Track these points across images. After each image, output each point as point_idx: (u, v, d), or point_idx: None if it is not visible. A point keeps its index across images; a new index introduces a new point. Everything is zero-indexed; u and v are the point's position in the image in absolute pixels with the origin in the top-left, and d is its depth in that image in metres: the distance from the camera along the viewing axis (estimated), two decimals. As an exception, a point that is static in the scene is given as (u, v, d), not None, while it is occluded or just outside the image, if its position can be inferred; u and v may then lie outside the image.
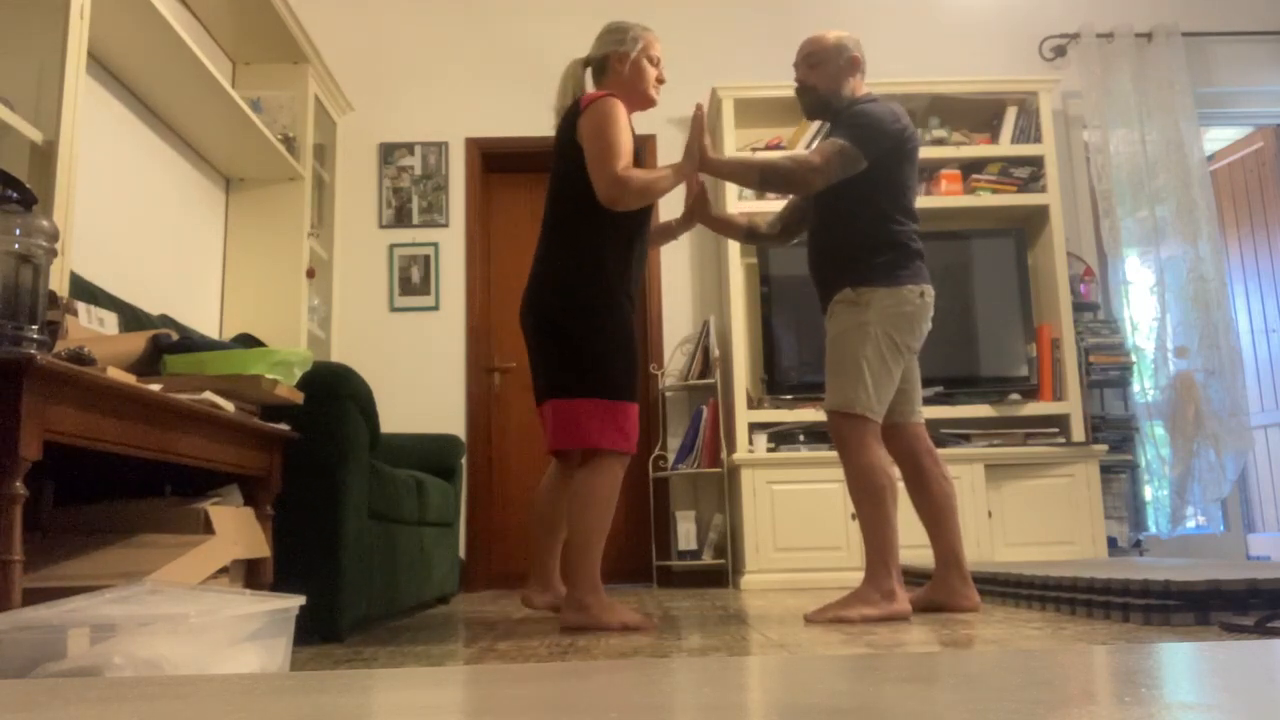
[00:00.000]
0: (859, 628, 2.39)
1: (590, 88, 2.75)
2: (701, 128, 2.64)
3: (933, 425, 4.40)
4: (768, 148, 4.65)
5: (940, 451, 4.24)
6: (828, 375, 2.74)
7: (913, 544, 4.14)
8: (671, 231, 2.94)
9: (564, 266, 2.58)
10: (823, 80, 2.81)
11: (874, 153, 2.66)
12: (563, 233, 2.61)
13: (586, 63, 2.76)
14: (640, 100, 2.70)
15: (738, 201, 4.53)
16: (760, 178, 2.68)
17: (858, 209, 2.72)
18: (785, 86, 4.69)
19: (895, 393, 2.78)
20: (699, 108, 2.65)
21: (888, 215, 2.71)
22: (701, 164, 2.66)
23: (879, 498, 2.61)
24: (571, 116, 2.63)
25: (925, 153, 4.63)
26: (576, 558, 2.50)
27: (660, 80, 2.73)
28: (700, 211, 2.88)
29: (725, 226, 3.02)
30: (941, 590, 2.74)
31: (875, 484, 2.62)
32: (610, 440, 2.51)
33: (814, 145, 2.74)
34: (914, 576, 3.89)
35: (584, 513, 2.50)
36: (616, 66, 2.68)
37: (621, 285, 2.59)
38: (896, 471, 2.80)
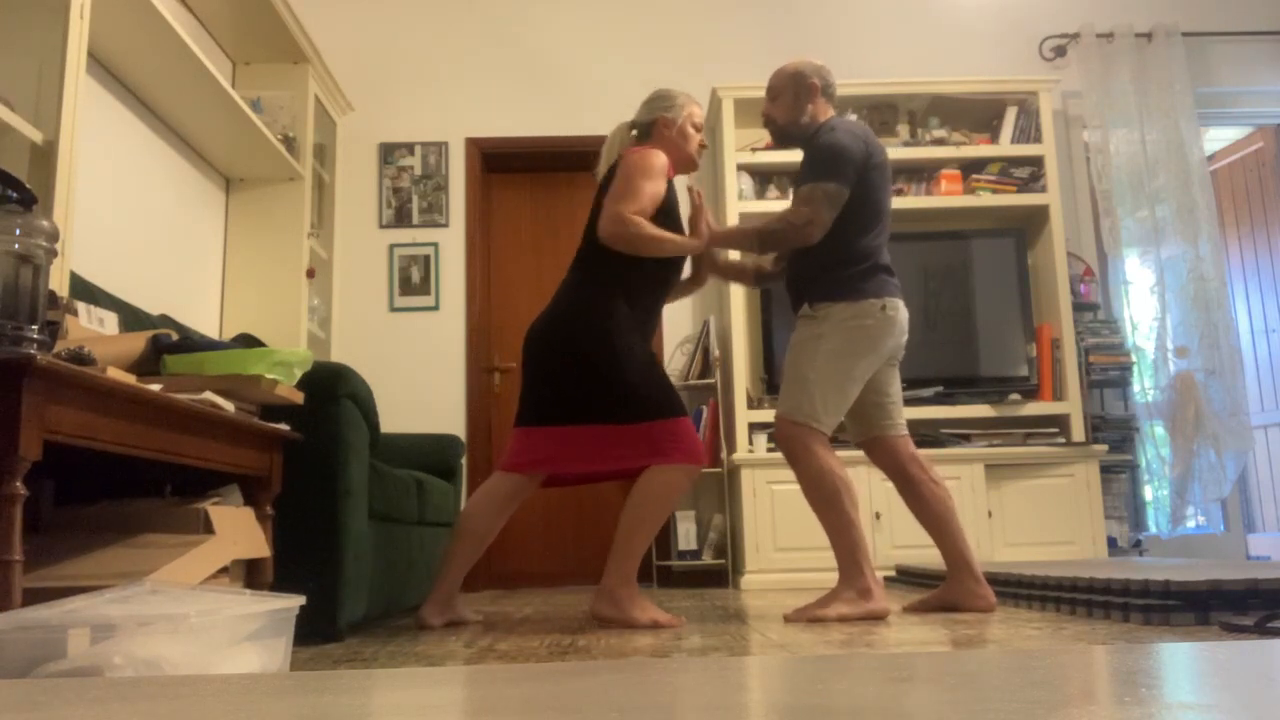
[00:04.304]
0: (858, 627, 2.40)
1: None
2: (701, 206, 2.77)
3: (932, 425, 4.40)
4: (767, 148, 4.64)
5: (940, 451, 4.27)
6: (781, 383, 2.79)
7: (914, 545, 4.14)
8: (683, 289, 2.95)
9: (586, 301, 2.64)
10: (780, 111, 2.88)
11: (850, 180, 2.70)
12: (588, 271, 2.69)
13: (633, 126, 2.88)
14: (685, 164, 2.83)
15: (738, 202, 4.53)
16: (759, 242, 2.76)
17: (837, 230, 2.74)
18: (785, 86, 4.70)
19: (871, 406, 2.81)
20: (694, 192, 2.80)
21: (854, 232, 2.74)
22: (709, 240, 2.76)
23: (835, 500, 2.64)
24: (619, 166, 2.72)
25: (925, 153, 4.64)
26: (621, 551, 2.55)
27: (703, 145, 2.87)
28: (710, 265, 2.95)
29: (737, 273, 3.06)
30: (956, 591, 2.75)
31: (829, 487, 2.65)
32: (677, 456, 2.56)
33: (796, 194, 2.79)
34: (923, 578, 3.89)
35: (640, 511, 2.55)
36: (664, 131, 2.81)
37: (639, 329, 2.66)
38: (884, 477, 2.82)
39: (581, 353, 2.60)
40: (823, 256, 2.75)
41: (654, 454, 2.57)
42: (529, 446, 2.65)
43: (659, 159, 2.68)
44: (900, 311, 2.76)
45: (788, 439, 2.71)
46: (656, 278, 2.72)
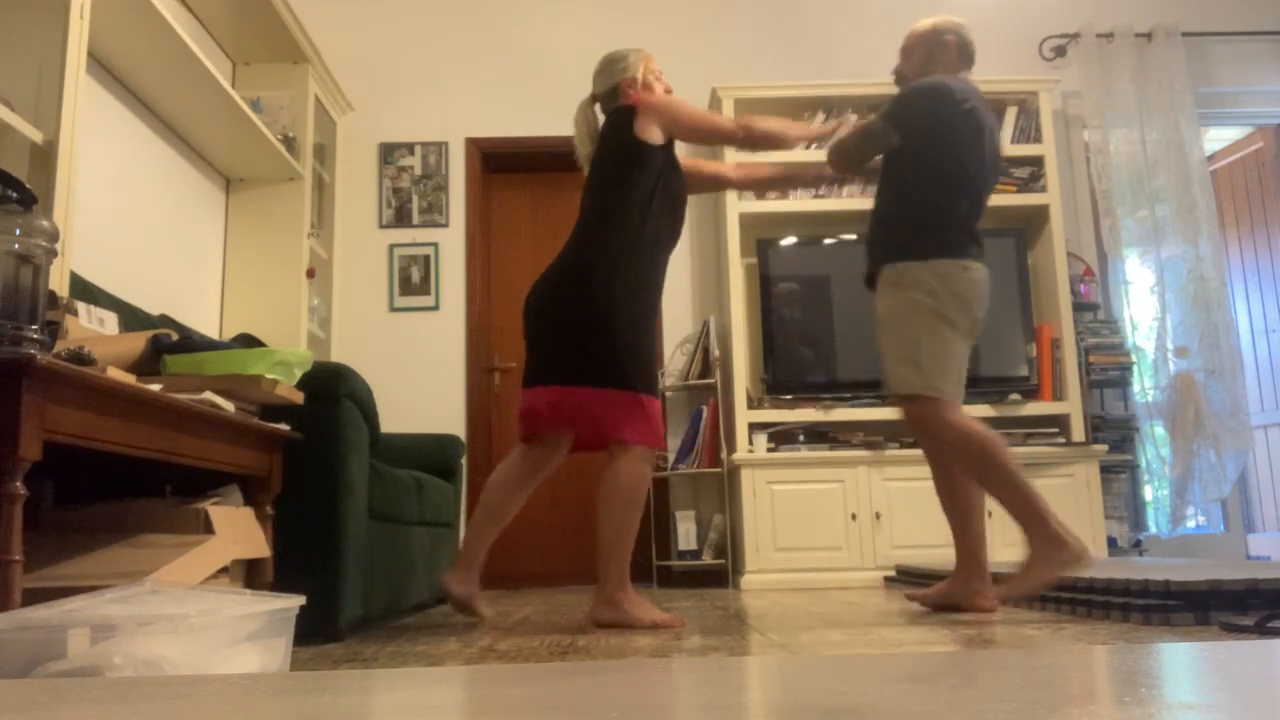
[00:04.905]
0: (861, 625, 2.39)
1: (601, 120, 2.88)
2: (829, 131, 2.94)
3: (933, 425, 4.40)
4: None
5: (940, 451, 4.26)
6: (884, 362, 2.68)
7: (914, 545, 4.14)
8: (766, 185, 3.06)
9: (589, 261, 2.62)
10: (911, 68, 2.83)
11: (905, 127, 2.65)
12: (591, 231, 2.67)
13: (594, 99, 2.87)
14: None
15: (738, 201, 4.52)
16: (833, 159, 2.83)
17: (908, 184, 2.71)
18: (785, 86, 4.70)
19: None
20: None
21: (938, 191, 2.67)
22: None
23: (990, 461, 2.51)
24: (620, 118, 2.71)
25: (925, 153, 4.64)
26: (607, 555, 2.54)
27: (669, 91, 2.87)
28: (798, 173, 3.04)
29: (816, 178, 3.15)
30: (960, 588, 2.70)
31: (982, 451, 2.51)
32: (640, 435, 2.55)
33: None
34: (923, 578, 3.89)
35: (613, 510, 2.53)
36: (629, 91, 2.80)
37: (642, 286, 2.64)
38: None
39: (574, 315, 2.59)
40: (902, 215, 2.70)
41: (620, 426, 2.54)
42: (528, 407, 2.65)
43: (653, 95, 2.74)
44: (984, 276, 2.68)
45: (920, 422, 2.60)
46: (654, 241, 2.69)
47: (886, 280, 2.70)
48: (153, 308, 3.40)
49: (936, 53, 2.79)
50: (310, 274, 4.15)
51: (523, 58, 4.99)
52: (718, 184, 3.02)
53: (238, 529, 2.04)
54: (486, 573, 4.60)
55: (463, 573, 2.71)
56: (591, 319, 2.57)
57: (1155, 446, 4.63)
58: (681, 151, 2.83)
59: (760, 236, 4.60)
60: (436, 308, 4.77)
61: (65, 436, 1.52)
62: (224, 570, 1.97)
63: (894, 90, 4.66)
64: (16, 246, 1.53)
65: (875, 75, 4.88)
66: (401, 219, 4.83)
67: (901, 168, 2.73)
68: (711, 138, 2.78)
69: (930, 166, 2.69)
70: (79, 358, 1.60)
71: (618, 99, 2.80)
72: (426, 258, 4.80)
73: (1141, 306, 4.77)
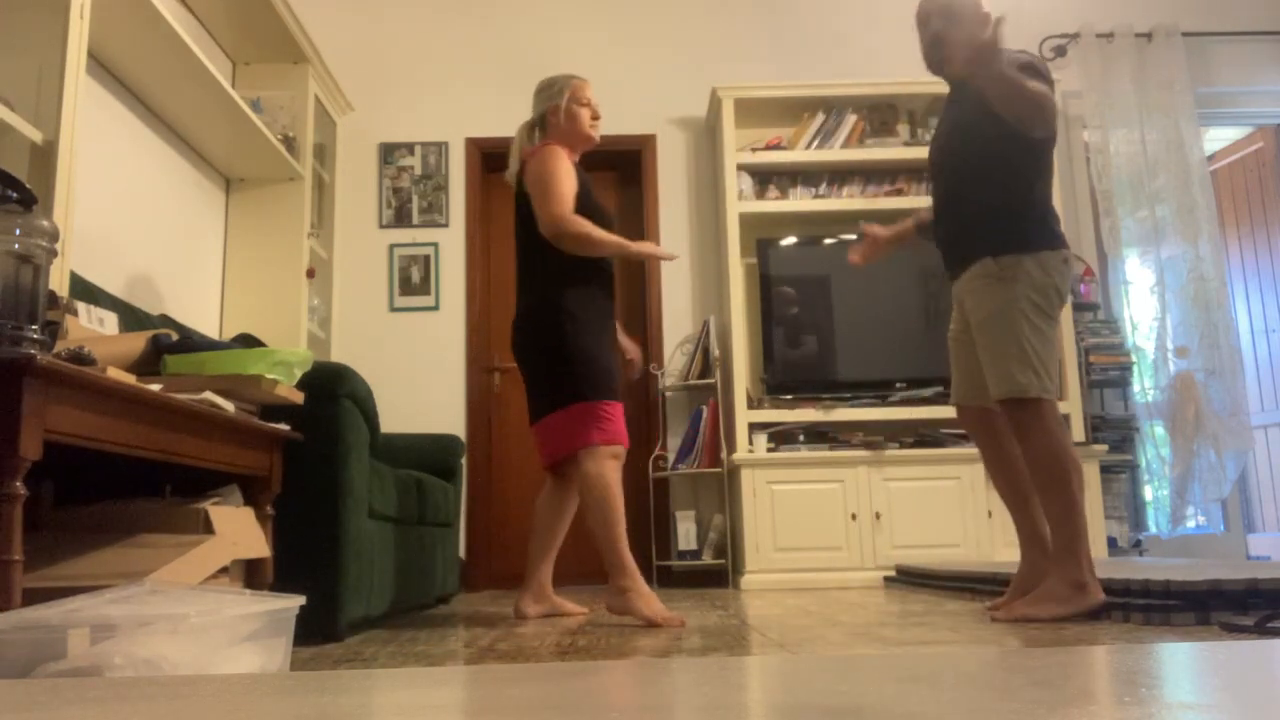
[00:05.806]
0: (863, 624, 2.39)
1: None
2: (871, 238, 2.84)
3: (932, 425, 4.40)
4: (768, 148, 4.65)
5: (940, 451, 4.27)
6: (987, 361, 2.56)
7: (914, 545, 4.14)
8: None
9: (534, 304, 2.81)
10: (963, 34, 2.62)
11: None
12: (530, 275, 2.85)
13: (532, 125, 2.99)
14: (581, 141, 2.92)
15: (738, 201, 4.53)
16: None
17: (995, 169, 2.57)
18: (785, 86, 4.70)
19: (978, 374, 2.68)
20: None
21: (1027, 175, 2.54)
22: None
23: (1063, 483, 2.44)
24: (525, 165, 2.87)
25: (925, 153, 4.63)
26: (605, 550, 2.69)
27: (595, 117, 2.95)
28: (875, 248, 2.87)
29: (901, 239, 2.87)
30: (1031, 574, 2.62)
31: (1061, 468, 2.44)
32: (596, 436, 2.71)
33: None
34: (923, 578, 3.88)
35: (593, 509, 2.69)
36: (552, 119, 2.92)
37: (592, 308, 2.79)
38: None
39: (542, 347, 2.77)
40: (996, 204, 2.53)
41: (583, 433, 2.70)
42: (536, 442, 2.89)
43: (554, 153, 2.78)
44: (1072, 262, 2.60)
45: (1023, 423, 2.49)
46: (594, 265, 2.83)
47: (985, 274, 2.55)
48: (153, 308, 3.40)
49: (981, 22, 2.62)
50: (310, 274, 4.14)
51: (523, 58, 4.99)
52: None
53: (238, 529, 2.04)
54: (488, 573, 4.62)
55: (532, 597, 2.92)
56: (555, 350, 2.74)
57: (1155, 446, 4.63)
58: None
59: (760, 236, 4.60)
60: (436, 308, 4.77)
61: (65, 436, 1.52)
62: (224, 570, 1.97)
63: (891, 91, 4.68)
64: (16, 246, 1.53)
65: (875, 75, 4.88)
66: (401, 219, 4.83)
67: (999, 150, 2.57)
68: (542, 216, 2.73)
69: (1034, 151, 2.58)
70: (79, 358, 1.60)
71: (545, 129, 2.93)
72: (426, 258, 4.80)
73: (1141, 306, 4.77)
